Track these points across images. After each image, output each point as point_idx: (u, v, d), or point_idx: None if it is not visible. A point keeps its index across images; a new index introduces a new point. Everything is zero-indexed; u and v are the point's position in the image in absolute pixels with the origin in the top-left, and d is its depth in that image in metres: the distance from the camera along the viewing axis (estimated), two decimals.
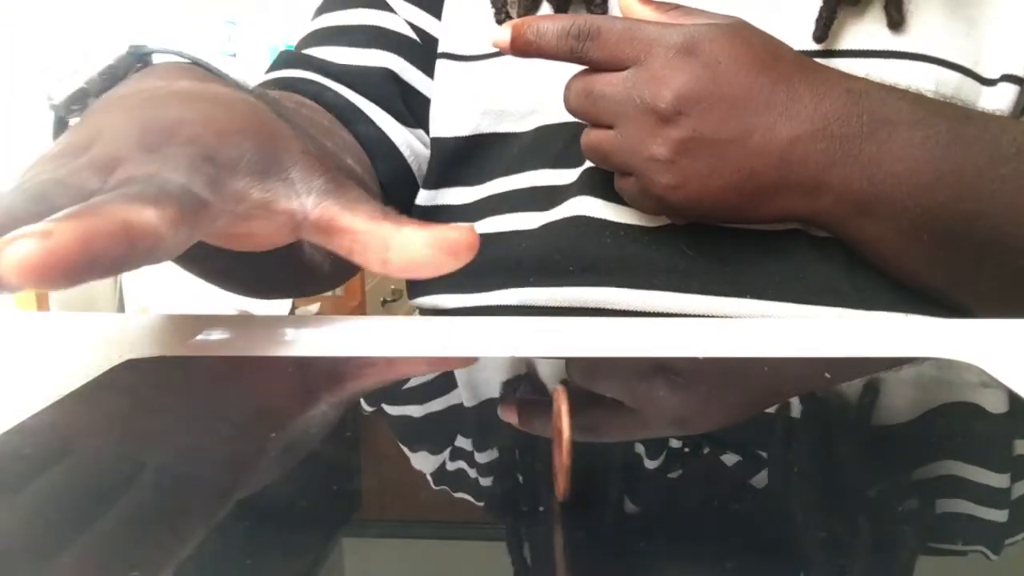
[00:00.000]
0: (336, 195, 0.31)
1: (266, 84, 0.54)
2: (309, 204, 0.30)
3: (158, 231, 0.24)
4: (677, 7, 0.45)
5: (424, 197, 0.57)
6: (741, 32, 0.43)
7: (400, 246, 0.29)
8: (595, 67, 0.44)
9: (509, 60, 0.53)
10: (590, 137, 0.45)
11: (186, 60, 0.36)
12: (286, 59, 0.57)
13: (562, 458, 0.21)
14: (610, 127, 0.44)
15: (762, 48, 0.43)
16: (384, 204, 0.54)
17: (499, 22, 0.53)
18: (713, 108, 0.42)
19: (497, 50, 0.54)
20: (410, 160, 0.56)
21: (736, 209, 0.44)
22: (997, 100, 0.48)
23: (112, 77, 0.35)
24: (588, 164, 0.50)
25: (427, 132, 0.57)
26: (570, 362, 0.34)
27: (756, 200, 0.43)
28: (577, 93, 0.45)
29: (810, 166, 0.42)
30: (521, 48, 0.44)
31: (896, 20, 0.47)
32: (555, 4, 0.52)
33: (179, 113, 0.30)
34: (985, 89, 0.48)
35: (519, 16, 0.52)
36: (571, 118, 0.51)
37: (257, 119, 0.31)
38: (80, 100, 0.35)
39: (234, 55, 2.13)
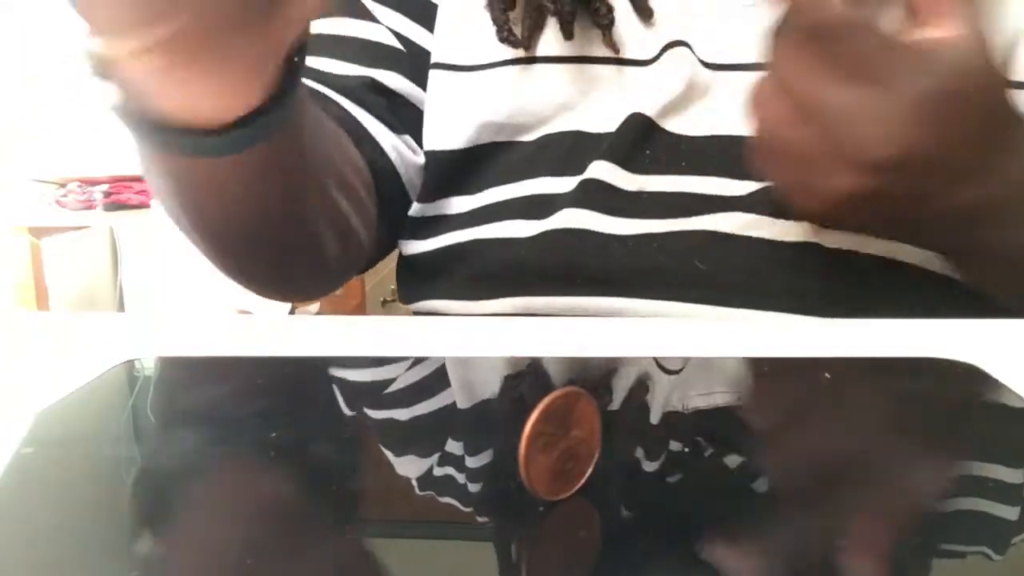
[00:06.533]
0: None
1: None
2: None
3: None
4: None
5: (418, 209, 0.56)
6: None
7: None
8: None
9: (508, 71, 0.52)
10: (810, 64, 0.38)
11: None
12: None
13: (521, 450, 0.22)
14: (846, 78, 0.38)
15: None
16: (376, 209, 0.53)
17: (501, 39, 0.52)
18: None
19: (494, 61, 0.52)
20: (397, 164, 0.55)
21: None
22: None
23: None
24: (585, 175, 0.49)
25: (415, 139, 0.56)
26: (568, 362, 0.34)
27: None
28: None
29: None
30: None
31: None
32: (561, 22, 0.51)
33: None
34: None
35: (522, 34, 0.52)
36: (571, 127, 0.50)
37: None
38: None
39: None
